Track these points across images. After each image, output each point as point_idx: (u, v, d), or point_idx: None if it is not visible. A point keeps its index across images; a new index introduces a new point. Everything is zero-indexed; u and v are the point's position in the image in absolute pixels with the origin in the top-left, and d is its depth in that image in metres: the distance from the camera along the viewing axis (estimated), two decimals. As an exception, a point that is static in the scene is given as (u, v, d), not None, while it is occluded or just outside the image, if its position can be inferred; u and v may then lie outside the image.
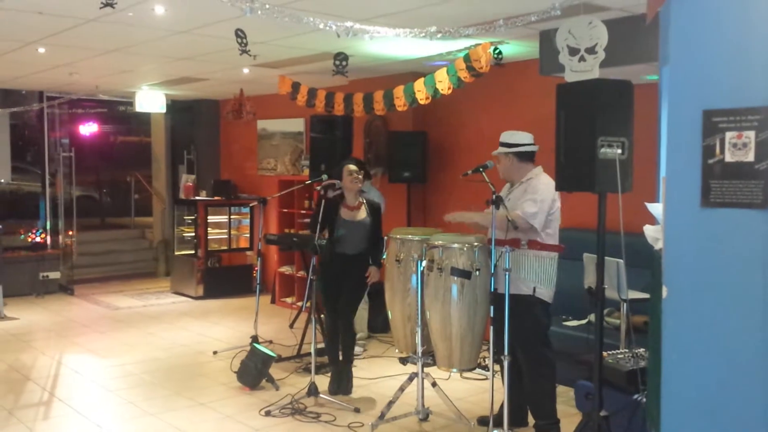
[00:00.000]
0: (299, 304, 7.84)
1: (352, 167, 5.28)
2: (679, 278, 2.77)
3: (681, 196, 2.74)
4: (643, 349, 4.07)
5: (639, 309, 4.63)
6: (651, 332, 3.26)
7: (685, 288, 2.75)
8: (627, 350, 4.22)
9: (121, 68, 7.58)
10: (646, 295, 4.27)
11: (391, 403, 4.65)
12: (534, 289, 4.19)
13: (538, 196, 4.17)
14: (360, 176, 5.27)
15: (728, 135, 2.62)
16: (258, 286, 6.42)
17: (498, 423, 4.16)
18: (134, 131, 17.03)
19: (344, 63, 5.60)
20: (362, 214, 5.30)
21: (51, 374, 5.92)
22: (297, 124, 9.41)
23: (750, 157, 2.58)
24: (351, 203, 5.29)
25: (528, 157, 4.33)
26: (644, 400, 3.68)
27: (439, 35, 4.20)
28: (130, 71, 7.81)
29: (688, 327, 2.74)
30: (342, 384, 5.33)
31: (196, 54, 6.67)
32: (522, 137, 4.33)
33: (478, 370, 5.19)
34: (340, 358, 5.39)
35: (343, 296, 5.33)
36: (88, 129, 12.34)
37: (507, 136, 4.35)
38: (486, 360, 5.44)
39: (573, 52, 4.26)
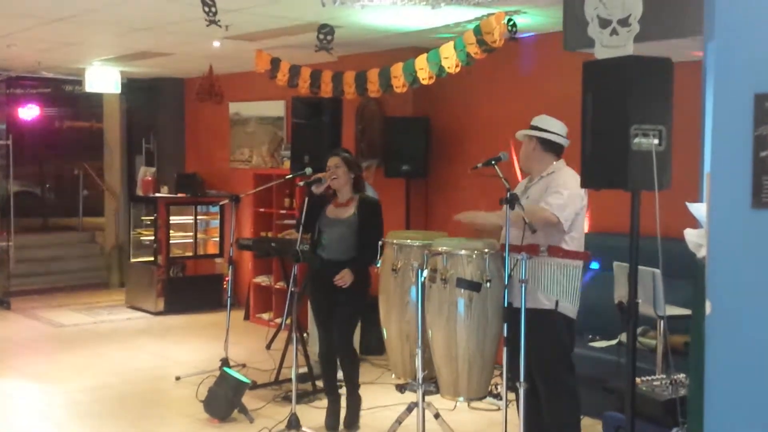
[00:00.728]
0: (278, 321, 7.84)
1: (330, 161, 5.25)
2: (726, 291, 2.77)
3: (728, 195, 2.75)
4: (683, 375, 4.08)
5: (679, 327, 4.64)
6: (692, 355, 3.27)
7: (733, 303, 2.76)
8: (664, 376, 4.23)
9: (67, 40, 7.56)
10: (687, 311, 4.28)
11: (386, 438, 4.66)
12: (557, 303, 4.20)
13: (565, 189, 4.18)
14: (340, 170, 5.21)
15: (784, 123, 2.63)
16: (229, 299, 6.41)
17: (512, 462, 4.17)
18: (83, 115, 16.99)
19: (329, 37, 5.61)
20: (350, 211, 5.26)
21: (-17, 403, 5.91)
22: (276, 108, 9.41)
23: (809, 149, 2.59)
24: (341, 200, 5.28)
25: (554, 149, 4.36)
26: (684, 435, 3.69)
27: (442, 4, 4.22)
28: (78, 44, 7.79)
29: (736, 349, 2.75)
30: (348, 418, 5.33)
31: (156, 24, 6.66)
32: (553, 124, 4.38)
33: (488, 399, 5.20)
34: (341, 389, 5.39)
35: (333, 318, 5.31)
36: (28, 112, 12.36)
37: (537, 120, 4.43)
38: (498, 387, 5.45)
39: (604, 24, 4.28)
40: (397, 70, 6.32)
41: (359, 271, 5.16)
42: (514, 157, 5.44)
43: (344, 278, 5.09)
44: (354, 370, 5.41)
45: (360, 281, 5.19)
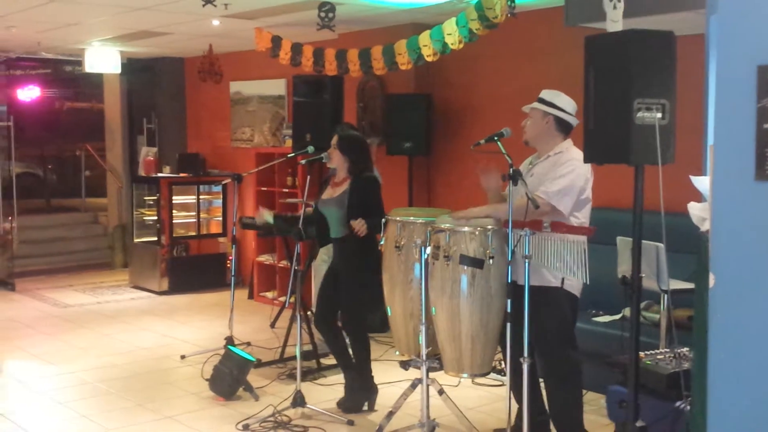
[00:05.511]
0: (282, 299, 7.87)
1: (333, 139, 5.22)
2: (730, 265, 2.78)
3: (732, 168, 2.75)
4: (687, 349, 4.10)
5: (682, 301, 4.65)
6: (696, 328, 3.28)
7: (737, 276, 2.76)
8: (668, 350, 4.25)
9: (66, 20, 7.54)
10: (690, 285, 4.29)
11: (391, 414, 4.68)
12: (563, 280, 4.20)
13: (566, 171, 4.15)
14: (334, 152, 5.15)
15: (788, 95, 2.62)
16: (233, 278, 6.43)
17: (516, 437, 4.20)
18: (84, 96, 16.98)
19: (330, 15, 5.58)
20: (343, 188, 5.16)
21: (-10, 383, 5.95)
22: (277, 86, 9.38)
23: (813, 120, 2.58)
24: (337, 179, 5.26)
25: (565, 128, 4.35)
26: (688, 407, 3.71)
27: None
28: (77, 24, 7.77)
29: (740, 322, 2.76)
30: (347, 400, 5.27)
31: (155, 3, 6.63)
32: (567, 103, 4.34)
33: (492, 375, 5.22)
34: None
35: (333, 297, 5.25)
36: (28, 93, 12.33)
37: (550, 95, 4.36)
38: (501, 363, 5.48)
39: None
40: (401, 47, 6.28)
41: (359, 251, 5.09)
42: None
43: (358, 226, 4.90)
44: (359, 348, 5.25)
45: (356, 258, 5.13)
